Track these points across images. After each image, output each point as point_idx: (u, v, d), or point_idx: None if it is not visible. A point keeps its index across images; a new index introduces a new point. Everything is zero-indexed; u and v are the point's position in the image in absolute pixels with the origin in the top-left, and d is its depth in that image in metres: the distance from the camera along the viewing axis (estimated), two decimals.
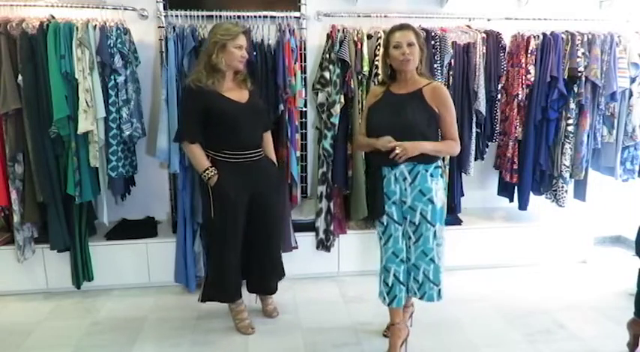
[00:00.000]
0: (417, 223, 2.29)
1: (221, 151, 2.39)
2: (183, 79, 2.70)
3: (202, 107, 2.33)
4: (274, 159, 2.66)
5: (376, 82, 2.91)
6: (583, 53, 3.14)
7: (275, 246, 2.72)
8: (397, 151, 2.13)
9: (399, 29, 2.28)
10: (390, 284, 2.36)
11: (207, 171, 2.37)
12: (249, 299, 2.78)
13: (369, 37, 3.04)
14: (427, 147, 2.21)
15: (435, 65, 3.02)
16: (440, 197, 2.30)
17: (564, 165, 3.26)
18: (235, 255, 2.50)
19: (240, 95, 2.43)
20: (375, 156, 2.33)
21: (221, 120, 2.35)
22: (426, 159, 2.25)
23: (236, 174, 2.41)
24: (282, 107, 2.93)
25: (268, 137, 2.62)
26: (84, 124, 2.66)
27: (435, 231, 2.29)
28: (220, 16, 2.94)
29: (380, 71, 2.62)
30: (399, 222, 2.34)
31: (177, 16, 2.93)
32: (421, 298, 2.38)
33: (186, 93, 2.37)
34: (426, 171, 2.27)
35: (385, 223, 2.35)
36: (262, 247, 2.61)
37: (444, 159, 2.92)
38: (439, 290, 2.36)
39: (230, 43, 2.31)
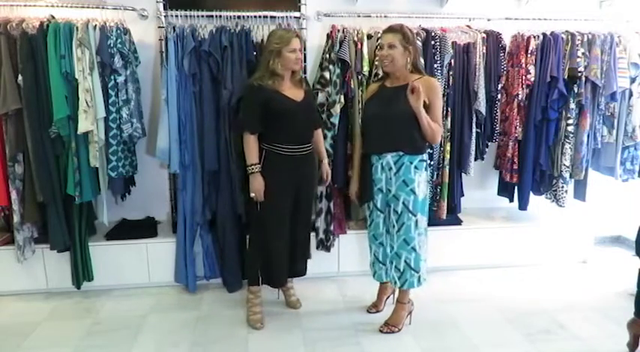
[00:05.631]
0: (399, 212, 2.44)
1: (277, 144, 2.55)
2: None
3: (261, 102, 2.49)
4: (324, 154, 2.81)
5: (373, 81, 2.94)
6: (583, 53, 3.14)
7: (309, 232, 2.91)
8: (414, 85, 2.28)
9: (386, 31, 2.46)
10: (371, 261, 2.68)
11: (253, 166, 2.53)
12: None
13: (369, 37, 3.04)
14: (423, 114, 2.32)
15: (435, 65, 3.01)
16: (422, 189, 2.44)
17: (564, 165, 3.26)
18: (284, 242, 2.66)
19: (297, 94, 2.58)
20: (366, 144, 2.52)
21: (278, 115, 2.51)
22: (412, 150, 2.40)
23: (287, 166, 2.57)
24: None
25: (319, 134, 2.77)
26: (84, 124, 2.66)
27: (416, 221, 2.44)
28: (220, 16, 2.94)
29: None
30: (381, 209, 2.53)
31: (177, 16, 2.93)
32: (402, 286, 2.53)
33: (248, 90, 2.57)
34: (411, 163, 2.41)
35: (370, 208, 2.57)
36: (301, 234, 2.75)
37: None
38: (419, 277, 2.51)
39: (284, 49, 2.48)
